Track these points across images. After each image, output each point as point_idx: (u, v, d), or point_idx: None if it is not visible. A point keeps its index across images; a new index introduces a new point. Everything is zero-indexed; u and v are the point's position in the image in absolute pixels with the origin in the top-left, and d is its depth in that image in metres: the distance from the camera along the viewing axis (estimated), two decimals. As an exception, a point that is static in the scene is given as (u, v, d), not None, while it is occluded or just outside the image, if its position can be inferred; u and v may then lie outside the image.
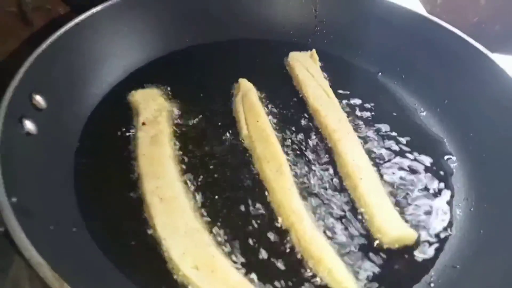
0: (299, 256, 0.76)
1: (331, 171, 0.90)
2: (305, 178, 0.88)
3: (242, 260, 0.75)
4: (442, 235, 0.82)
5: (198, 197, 0.82)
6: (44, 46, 0.86)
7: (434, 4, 1.47)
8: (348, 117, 1.00)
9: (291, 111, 1.01)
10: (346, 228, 0.81)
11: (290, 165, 0.88)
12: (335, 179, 0.88)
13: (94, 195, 0.80)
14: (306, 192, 0.85)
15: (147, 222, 0.77)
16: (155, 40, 1.07)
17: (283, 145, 0.92)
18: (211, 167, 0.88)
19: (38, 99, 0.82)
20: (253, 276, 0.73)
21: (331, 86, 1.05)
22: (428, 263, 0.78)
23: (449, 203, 0.87)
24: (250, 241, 0.77)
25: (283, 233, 0.79)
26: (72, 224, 0.74)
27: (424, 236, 0.81)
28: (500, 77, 0.96)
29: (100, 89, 0.97)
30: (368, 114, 1.03)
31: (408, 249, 0.79)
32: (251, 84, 1.02)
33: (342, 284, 0.72)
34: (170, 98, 0.99)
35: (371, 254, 0.77)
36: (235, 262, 0.74)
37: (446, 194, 0.89)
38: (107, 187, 0.82)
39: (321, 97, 1.02)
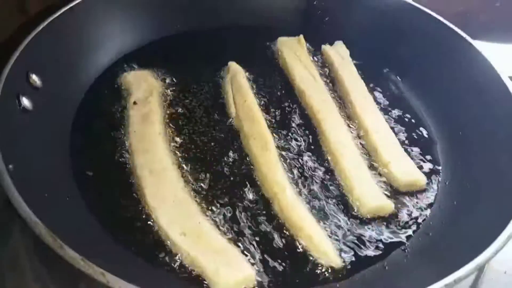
0: (281, 224, 0.80)
1: (315, 147, 0.94)
2: (290, 154, 0.92)
3: (228, 227, 0.79)
4: (419, 206, 0.87)
5: (187, 170, 0.87)
6: (40, 27, 0.90)
7: (420, -7, 1.51)
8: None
9: (278, 92, 1.06)
10: (327, 199, 0.85)
11: (275, 142, 0.92)
12: (318, 155, 0.93)
13: (88, 169, 0.85)
14: (290, 167, 0.90)
15: (137, 193, 0.82)
16: (147, 25, 1.12)
17: (269, 124, 0.96)
18: (199, 143, 0.92)
19: (34, 78, 0.86)
20: (238, 241, 0.77)
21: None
22: (404, 232, 0.82)
23: (429, 177, 0.91)
24: (236, 211, 0.82)
25: (266, 203, 0.83)
26: (67, 193, 0.79)
27: (402, 206, 0.86)
28: (479, 62, 1.00)
29: (94, 70, 1.02)
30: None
31: (385, 218, 0.83)
32: (240, 67, 1.07)
33: (321, 249, 0.76)
34: (161, 80, 1.03)
35: (349, 223, 0.82)
36: (220, 229, 0.78)
37: (425, 169, 0.93)
38: (100, 161, 0.87)
39: (307, 79, 1.06)
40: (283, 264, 0.75)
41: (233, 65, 1.07)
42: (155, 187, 0.81)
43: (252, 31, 1.18)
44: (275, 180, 0.84)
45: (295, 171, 0.89)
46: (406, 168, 0.90)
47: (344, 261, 0.76)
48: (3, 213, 0.82)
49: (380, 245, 0.80)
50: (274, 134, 0.95)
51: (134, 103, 0.95)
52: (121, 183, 0.83)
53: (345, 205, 0.85)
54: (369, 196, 0.85)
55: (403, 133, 1.00)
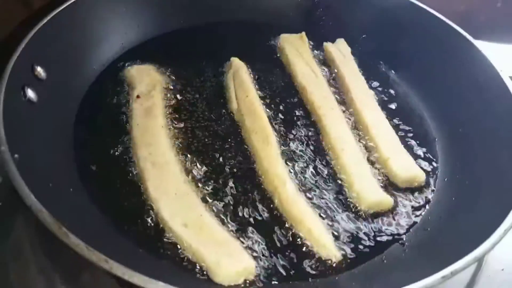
0: (282, 217, 0.81)
1: (315, 142, 0.95)
2: (291, 149, 0.93)
3: (229, 220, 0.80)
4: (418, 201, 0.88)
5: (189, 163, 0.88)
6: (45, 21, 0.91)
7: (422, -7, 1.52)
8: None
9: (279, 88, 1.07)
10: (327, 193, 0.86)
11: (276, 136, 0.93)
12: (319, 150, 0.94)
13: (91, 161, 0.86)
14: (291, 161, 0.91)
15: (140, 185, 0.83)
16: (151, 20, 1.13)
17: (270, 119, 0.97)
18: (202, 137, 0.93)
19: (39, 70, 0.87)
20: (239, 233, 0.78)
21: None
22: (403, 226, 0.83)
23: (427, 173, 0.92)
24: (237, 204, 0.83)
25: (267, 196, 0.84)
26: (70, 184, 0.80)
27: (401, 202, 0.87)
28: (479, 60, 1.01)
29: (98, 63, 1.03)
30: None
31: (384, 213, 0.84)
32: (242, 63, 1.08)
33: (321, 242, 0.77)
34: (164, 74, 1.04)
35: (349, 217, 0.83)
36: (221, 222, 0.79)
37: (425, 165, 0.94)
38: (103, 153, 0.88)
39: (308, 75, 1.07)
40: (283, 256, 0.77)
41: (236, 61, 1.08)
42: (157, 180, 0.82)
43: (254, 27, 1.20)
44: (275, 174, 0.85)
45: (296, 166, 0.90)
46: (405, 164, 0.91)
47: (343, 255, 0.77)
48: (6, 205, 0.83)
49: (379, 239, 0.81)
50: (275, 129, 0.96)
51: (137, 96, 0.96)
52: (124, 176, 0.84)
53: (345, 200, 0.86)
54: (369, 191, 0.86)
55: (403, 129, 1.01)
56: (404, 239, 0.81)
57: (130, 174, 0.85)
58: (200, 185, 0.85)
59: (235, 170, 0.88)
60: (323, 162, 0.92)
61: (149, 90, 0.98)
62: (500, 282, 0.85)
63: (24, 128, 0.77)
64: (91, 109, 0.95)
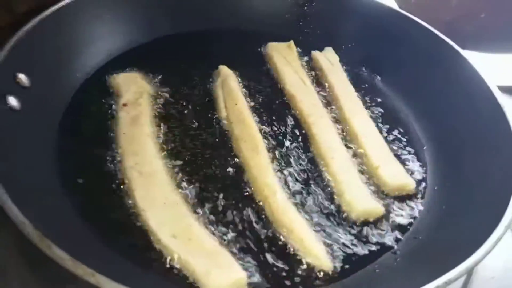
0: (272, 228, 0.80)
1: (305, 151, 0.95)
2: (280, 157, 0.92)
3: (219, 230, 0.78)
4: (409, 210, 0.87)
5: (177, 172, 0.86)
6: (28, 27, 0.88)
7: (408, 3, 1.54)
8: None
9: (268, 96, 1.06)
10: (318, 202, 0.85)
11: (266, 145, 0.92)
12: (308, 159, 0.93)
13: (76, 170, 0.83)
14: (280, 170, 0.90)
15: (127, 195, 0.81)
16: (138, 26, 1.11)
17: (259, 127, 0.96)
18: (190, 146, 0.92)
19: (22, 77, 0.84)
20: (229, 244, 0.77)
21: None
22: (394, 235, 0.83)
23: (417, 181, 0.92)
24: (227, 213, 0.81)
25: (258, 206, 0.83)
26: (54, 195, 0.77)
27: (392, 210, 0.87)
28: (466, 69, 1.02)
29: (83, 71, 1.00)
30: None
31: (375, 222, 0.84)
32: (231, 71, 1.07)
33: (312, 252, 0.76)
34: (151, 82, 1.03)
35: (340, 226, 0.82)
36: (211, 232, 0.78)
37: (415, 174, 0.94)
38: (89, 163, 0.85)
39: (297, 83, 1.07)
40: (274, 267, 0.75)
41: (224, 69, 1.07)
42: (145, 189, 0.80)
43: (242, 36, 1.19)
44: (265, 183, 0.84)
45: (286, 174, 0.89)
46: (395, 172, 0.91)
47: (335, 265, 0.76)
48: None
49: (370, 248, 0.80)
50: (265, 138, 0.95)
51: (124, 105, 0.94)
52: (110, 185, 0.82)
53: (335, 209, 0.85)
54: (359, 200, 0.85)
55: (392, 137, 1.01)
56: (396, 248, 0.81)
57: (117, 184, 0.82)
58: (188, 194, 0.83)
59: (224, 179, 0.87)
60: (313, 171, 0.91)
61: (136, 98, 0.96)
62: (491, 290, 0.85)
63: (6, 138, 0.75)
64: (75, 118, 0.92)
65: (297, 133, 0.98)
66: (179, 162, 0.88)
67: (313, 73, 1.14)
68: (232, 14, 1.20)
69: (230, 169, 0.88)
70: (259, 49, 1.18)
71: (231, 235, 0.78)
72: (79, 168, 0.84)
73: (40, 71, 0.89)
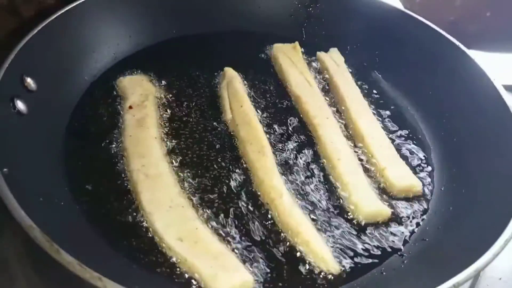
0: (279, 230, 0.80)
1: (311, 152, 0.94)
2: (287, 159, 0.92)
3: (225, 233, 0.78)
4: (415, 211, 0.87)
5: (183, 175, 0.86)
6: (35, 31, 0.89)
7: (413, 3, 1.54)
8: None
9: (273, 98, 1.06)
10: (324, 204, 0.85)
11: (271, 147, 0.92)
12: (315, 160, 0.93)
13: (83, 173, 0.84)
14: (287, 172, 0.89)
15: (133, 198, 0.81)
16: (143, 29, 1.11)
17: (265, 129, 0.96)
18: (196, 148, 0.92)
19: (29, 81, 0.85)
20: (236, 246, 0.76)
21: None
22: (401, 237, 0.82)
23: (424, 182, 0.92)
24: (233, 216, 0.81)
25: (264, 208, 0.83)
26: (61, 198, 0.77)
27: (398, 212, 0.86)
28: (472, 69, 1.01)
29: (89, 74, 1.01)
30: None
31: (382, 224, 0.83)
32: (236, 73, 1.07)
33: (319, 255, 0.76)
34: (157, 84, 1.03)
35: (347, 228, 0.82)
36: (217, 235, 0.78)
37: (421, 175, 0.94)
38: (95, 166, 0.86)
39: (302, 85, 1.06)
40: (281, 270, 0.75)
41: (229, 71, 1.07)
42: (151, 192, 0.80)
43: (247, 37, 1.19)
44: (271, 185, 0.84)
45: (292, 177, 0.89)
46: (401, 174, 0.91)
47: (342, 267, 0.76)
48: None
49: (377, 250, 0.80)
50: (270, 140, 0.95)
51: (130, 107, 0.95)
52: (116, 188, 0.82)
53: (341, 211, 0.85)
54: (366, 201, 0.84)
55: (398, 139, 1.01)
56: (403, 250, 0.80)
57: (123, 187, 0.83)
58: (194, 197, 0.83)
59: (230, 181, 0.87)
60: (319, 173, 0.91)
61: (141, 100, 0.96)
62: (499, 291, 0.84)
63: (13, 141, 0.75)
64: (82, 121, 0.93)
65: (303, 134, 0.98)
66: (184, 165, 0.88)
67: (318, 74, 1.14)
68: (237, 15, 1.20)
69: (235, 172, 0.88)
70: (264, 50, 1.17)
71: (237, 237, 0.78)
72: (85, 171, 0.84)
73: (47, 75, 0.90)
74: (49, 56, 0.92)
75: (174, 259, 0.73)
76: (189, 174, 0.87)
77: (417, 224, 0.85)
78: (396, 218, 0.85)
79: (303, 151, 0.94)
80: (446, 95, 1.05)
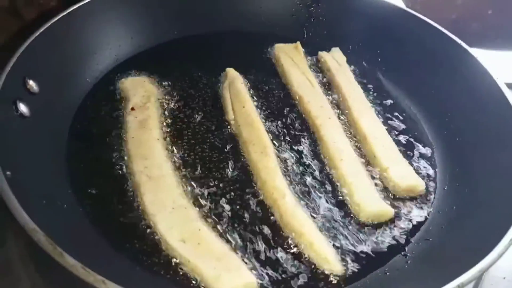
0: (282, 231, 0.80)
1: (313, 153, 0.94)
2: (289, 159, 0.92)
3: (228, 234, 0.78)
4: (419, 211, 0.87)
5: (185, 176, 0.86)
6: (37, 33, 0.89)
7: (414, 2, 1.53)
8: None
9: (275, 98, 1.06)
10: (327, 205, 0.85)
11: (274, 148, 0.92)
12: (317, 161, 0.93)
13: (86, 175, 0.84)
14: (289, 172, 0.89)
15: (136, 200, 0.81)
16: (145, 31, 1.11)
17: (267, 129, 0.96)
18: (198, 149, 0.92)
19: (32, 83, 0.85)
20: (239, 247, 0.77)
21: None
22: (405, 237, 0.82)
23: (427, 182, 0.91)
24: (236, 217, 0.81)
25: (267, 209, 0.83)
26: (64, 200, 0.77)
27: (401, 212, 0.86)
28: (474, 68, 1.01)
29: (91, 76, 1.01)
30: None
31: (384, 224, 0.83)
32: (238, 73, 1.07)
33: (322, 256, 0.76)
34: (159, 86, 1.03)
35: (349, 229, 0.82)
36: (220, 236, 0.78)
37: (424, 174, 0.93)
38: (98, 168, 0.86)
39: (304, 85, 1.06)
40: (284, 271, 0.75)
41: (231, 71, 1.07)
42: (153, 193, 0.80)
43: (249, 37, 1.19)
44: (274, 186, 0.84)
45: (295, 177, 0.89)
46: (404, 174, 0.91)
47: (345, 268, 0.76)
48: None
49: (381, 251, 0.80)
50: (273, 140, 0.95)
51: (132, 109, 0.95)
52: (119, 190, 0.82)
53: (344, 211, 0.84)
54: (369, 201, 0.84)
55: (401, 138, 1.00)
56: (407, 250, 0.80)
57: (126, 189, 0.83)
58: (197, 198, 0.83)
59: (233, 182, 0.87)
60: (322, 173, 0.91)
61: (143, 102, 0.96)
62: (503, 291, 0.84)
63: (16, 144, 0.76)
64: (85, 122, 0.93)
65: (305, 134, 0.98)
66: (187, 166, 0.88)
67: (320, 74, 1.13)
68: (239, 16, 1.20)
69: (238, 172, 0.88)
70: (266, 50, 1.17)
71: (240, 239, 0.78)
72: (88, 173, 0.84)
73: (49, 77, 0.90)
74: (51, 58, 0.92)
75: (177, 260, 0.74)
76: (191, 175, 0.86)
77: (420, 224, 0.84)
78: (399, 218, 0.85)
79: (305, 151, 0.94)
80: (449, 94, 1.04)
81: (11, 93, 0.79)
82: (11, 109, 0.79)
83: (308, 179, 0.89)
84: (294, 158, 0.93)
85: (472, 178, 0.89)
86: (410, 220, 0.85)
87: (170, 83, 1.04)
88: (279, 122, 1.00)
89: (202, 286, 0.71)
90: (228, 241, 0.77)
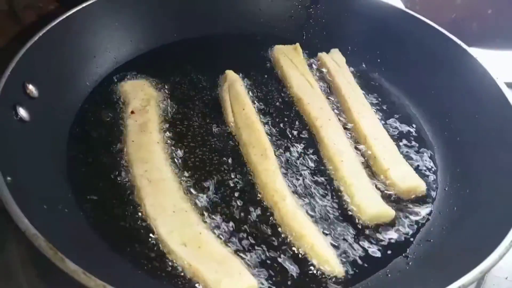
0: (282, 233, 0.80)
1: (313, 154, 0.94)
2: (289, 162, 0.92)
3: (229, 237, 0.78)
4: (419, 212, 0.86)
5: (186, 179, 0.86)
6: (36, 37, 0.89)
7: (413, 3, 1.53)
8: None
9: (275, 100, 1.06)
10: (327, 207, 0.85)
11: (274, 150, 0.92)
12: (317, 162, 0.93)
13: (86, 179, 0.84)
14: (289, 174, 0.89)
15: (137, 204, 0.81)
16: (144, 34, 1.11)
17: (267, 132, 0.96)
18: (198, 152, 0.92)
19: (31, 88, 0.85)
20: (240, 250, 0.76)
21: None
22: (406, 239, 0.82)
23: (428, 183, 0.91)
24: (236, 220, 0.81)
25: (267, 211, 0.83)
26: (65, 205, 0.77)
27: (402, 213, 0.86)
28: (474, 68, 1.01)
29: (91, 80, 1.01)
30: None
31: (385, 225, 0.83)
32: (237, 75, 1.07)
33: (323, 258, 0.76)
34: (158, 89, 1.03)
35: (351, 230, 0.82)
36: (221, 239, 0.78)
37: (425, 175, 0.93)
38: (98, 172, 0.86)
39: (304, 86, 1.06)
40: (285, 273, 0.75)
41: (230, 73, 1.07)
42: (154, 197, 0.80)
43: (248, 39, 1.19)
44: (274, 188, 0.84)
45: (295, 179, 0.89)
46: (405, 175, 0.90)
47: (346, 270, 0.76)
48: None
49: (382, 252, 0.79)
50: (273, 142, 0.95)
51: (132, 112, 0.95)
52: (119, 194, 0.82)
53: (345, 213, 0.84)
54: (369, 203, 0.84)
55: (401, 139, 1.00)
56: (408, 252, 0.80)
57: (126, 192, 0.83)
58: (197, 201, 0.83)
59: (233, 185, 0.87)
60: (322, 175, 0.90)
61: (143, 105, 0.96)
62: (505, 291, 0.84)
63: (16, 149, 0.75)
64: (85, 126, 0.93)
65: (306, 136, 0.98)
66: (187, 169, 0.88)
67: (320, 75, 1.13)
68: (237, 18, 1.20)
69: (238, 175, 0.88)
70: (265, 52, 1.17)
71: (240, 242, 0.78)
72: (88, 177, 0.84)
73: (49, 81, 0.90)
74: (51, 62, 0.92)
75: (178, 264, 0.73)
76: (192, 178, 0.86)
77: (422, 225, 0.84)
78: (400, 219, 0.85)
79: (305, 153, 0.94)
80: (449, 95, 1.04)
81: (11, 98, 0.79)
82: (11, 114, 0.79)
83: (309, 181, 0.89)
84: (294, 160, 0.93)
85: (473, 179, 0.89)
86: (411, 221, 0.85)
87: (169, 86, 1.04)
88: (279, 124, 1.00)
89: (204, 289, 0.71)
90: (228, 244, 0.77)
